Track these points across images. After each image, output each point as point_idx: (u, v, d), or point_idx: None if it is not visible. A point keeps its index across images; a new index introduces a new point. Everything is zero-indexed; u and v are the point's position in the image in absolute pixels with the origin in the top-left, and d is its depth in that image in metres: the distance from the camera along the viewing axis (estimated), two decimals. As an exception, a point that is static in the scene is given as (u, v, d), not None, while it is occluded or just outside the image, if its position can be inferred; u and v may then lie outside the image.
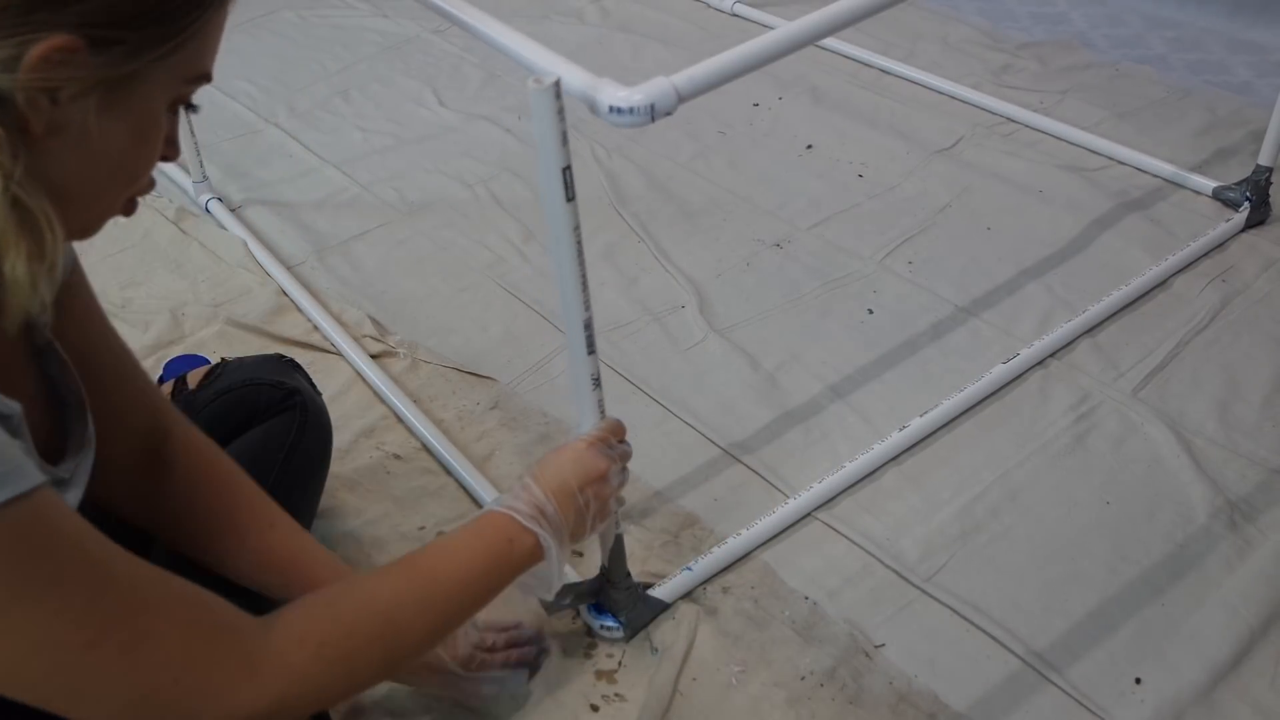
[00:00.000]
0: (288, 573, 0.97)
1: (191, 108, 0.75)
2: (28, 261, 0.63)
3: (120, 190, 0.72)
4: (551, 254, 0.92)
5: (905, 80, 2.24)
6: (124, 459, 0.91)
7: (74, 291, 0.86)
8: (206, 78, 0.73)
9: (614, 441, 1.02)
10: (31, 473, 0.63)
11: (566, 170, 0.86)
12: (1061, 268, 1.70)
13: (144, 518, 0.94)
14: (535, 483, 0.94)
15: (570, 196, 0.87)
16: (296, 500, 1.14)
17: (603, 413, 1.02)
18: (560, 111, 0.83)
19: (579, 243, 0.91)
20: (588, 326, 0.96)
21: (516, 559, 0.91)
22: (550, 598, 1.01)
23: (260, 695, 0.73)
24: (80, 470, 0.78)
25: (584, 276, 0.93)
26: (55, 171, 0.66)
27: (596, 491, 0.96)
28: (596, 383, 1.00)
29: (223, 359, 1.22)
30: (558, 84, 0.82)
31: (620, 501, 1.05)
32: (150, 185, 0.74)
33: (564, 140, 0.84)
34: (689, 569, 1.22)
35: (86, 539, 0.67)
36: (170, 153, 0.75)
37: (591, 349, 0.97)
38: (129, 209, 0.74)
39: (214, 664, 0.71)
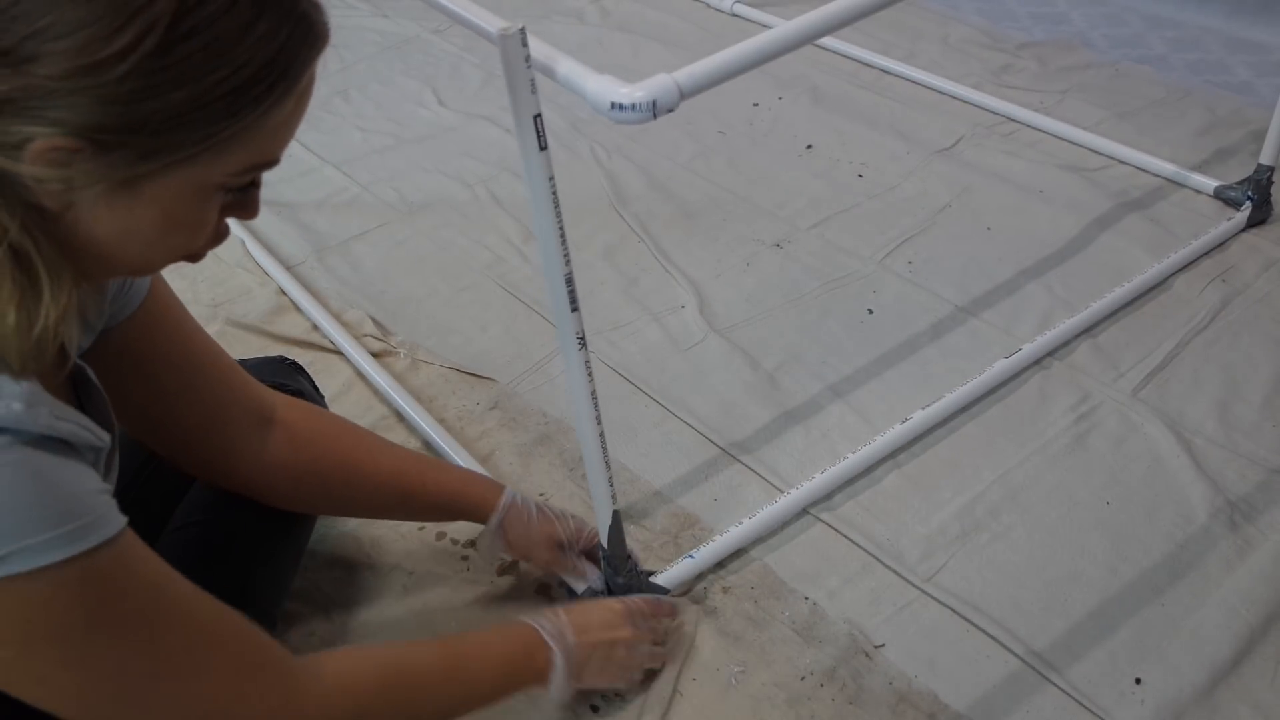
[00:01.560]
0: (415, 484, 1.10)
1: (252, 186, 0.75)
2: (17, 311, 0.64)
3: (167, 253, 0.72)
4: (532, 206, 0.92)
5: (905, 80, 2.24)
6: (245, 441, 1.01)
7: (160, 311, 0.92)
8: (269, 165, 0.73)
9: (649, 616, 1.10)
10: (116, 518, 0.69)
11: (537, 118, 0.86)
12: (1061, 268, 1.69)
13: (271, 484, 1.04)
14: (564, 614, 1.02)
15: (543, 145, 0.87)
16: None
17: (590, 374, 1.02)
18: (527, 59, 0.83)
19: (554, 193, 0.91)
20: (569, 282, 0.96)
21: (531, 670, 0.99)
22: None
23: None
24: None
25: (562, 229, 0.93)
26: (86, 233, 0.67)
27: (619, 650, 1.05)
28: (582, 341, 0.99)
29: None
30: (523, 31, 0.82)
31: (636, 679, 1.10)
32: (216, 240, 0.75)
33: (533, 88, 0.85)
34: (691, 556, 1.22)
35: (160, 577, 0.73)
36: (243, 215, 0.76)
37: (574, 306, 0.97)
38: (193, 258, 0.76)
39: (259, 699, 0.77)
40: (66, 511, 0.65)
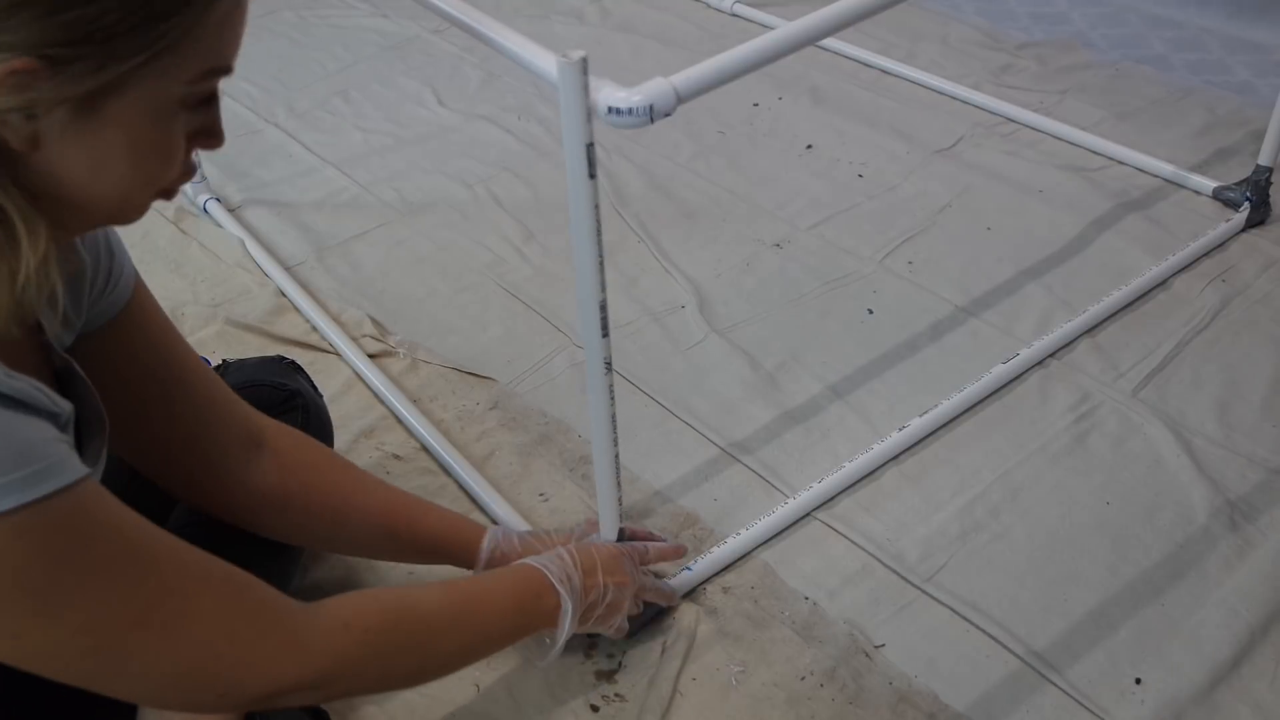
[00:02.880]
0: (401, 523, 1.08)
1: (210, 100, 0.75)
2: None
3: (141, 186, 0.72)
4: (571, 231, 0.92)
5: (905, 80, 2.24)
6: (231, 463, 0.99)
7: (143, 319, 0.91)
8: (221, 71, 0.73)
9: (638, 565, 1.12)
10: (75, 466, 0.67)
11: (590, 146, 0.86)
12: (1061, 268, 1.70)
13: (256, 509, 1.02)
14: (569, 555, 1.02)
15: (592, 174, 0.88)
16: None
17: (612, 398, 1.02)
18: (586, 87, 0.83)
19: (598, 220, 0.91)
20: (603, 308, 0.96)
21: (540, 613, 0.98)
22: (542, 664, 1.08)
23: (305, 667, 0.78)
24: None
25: (601, 256, 0.94)
26: (56, 174, 0.66)
27: (616, 592, 1.05)
28: (608, 366, 1.00)
29: (224, 360, 1.22)
30: (584, 60, 0.82)
31: (624, 628, 1.11)
32: (186, 174, 0.75)
33: (589, 117, 0.85)
34: (689, 569, 1.22)
35: (129, 526, 0.71)
36: (209, 143, 0.76)
37: (605, 331, 0.98)
38: (167, 195, 0.75)
39: (257, 638, 0.76)
40: (20, 457, 0.63)
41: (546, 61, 0.86)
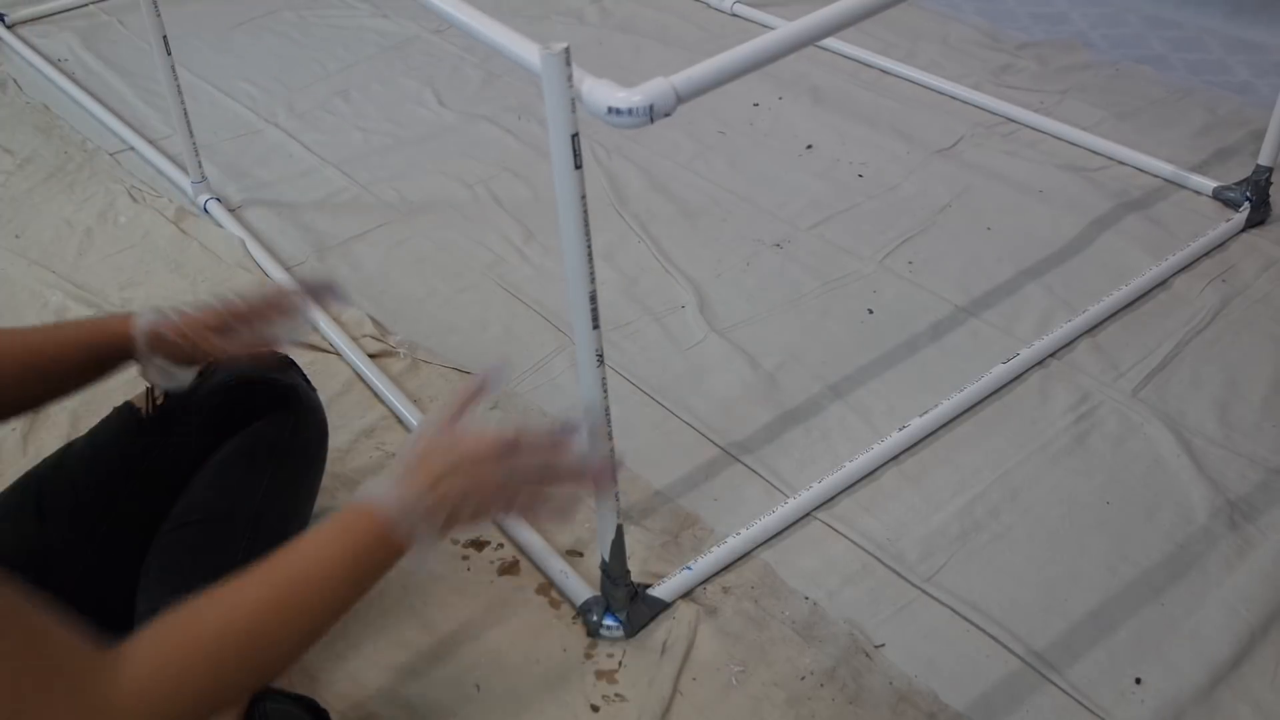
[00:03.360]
0: (48, 351, 1.00)
1: None
2: None
3: None
4: (559, 223, 0.92)
5: (905, 80, 2.24)
6: None
7: None
8: None
9: (539, 449, 0.89)
10: None
11: (575, 137, 0.86)
12: (1061, 268, 1.70)
13: None
14: (404, 466, 0.86)
15: (578, 164, 0.88)
16: (292, 497, 1.14)
17: (605, 390, 1.02)
18: (569, 78, 0.84)
19: (585, 211, 0.91)
20: (592, 299, 0.96)
21: (387, 555, 0.84)
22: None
23: None
24: None
25: (590, 246, 0.93)
26: None
27: (477, 501, 0.86)
28: (600, 359, 1.00)
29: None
30: (567, 50, 0.83)
31: (532, 513, 0.92)
32: None
33: (573, 107, 0.85)
34: (689, 568, 1.22)
35: None
36: None
37: (595, 323, 0.97)
38: None
39: (54, 712, 0.66)
40: None
41: (529, 52, 0.86)
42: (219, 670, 0.75)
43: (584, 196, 0.90)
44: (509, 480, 0.87)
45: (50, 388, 1.04)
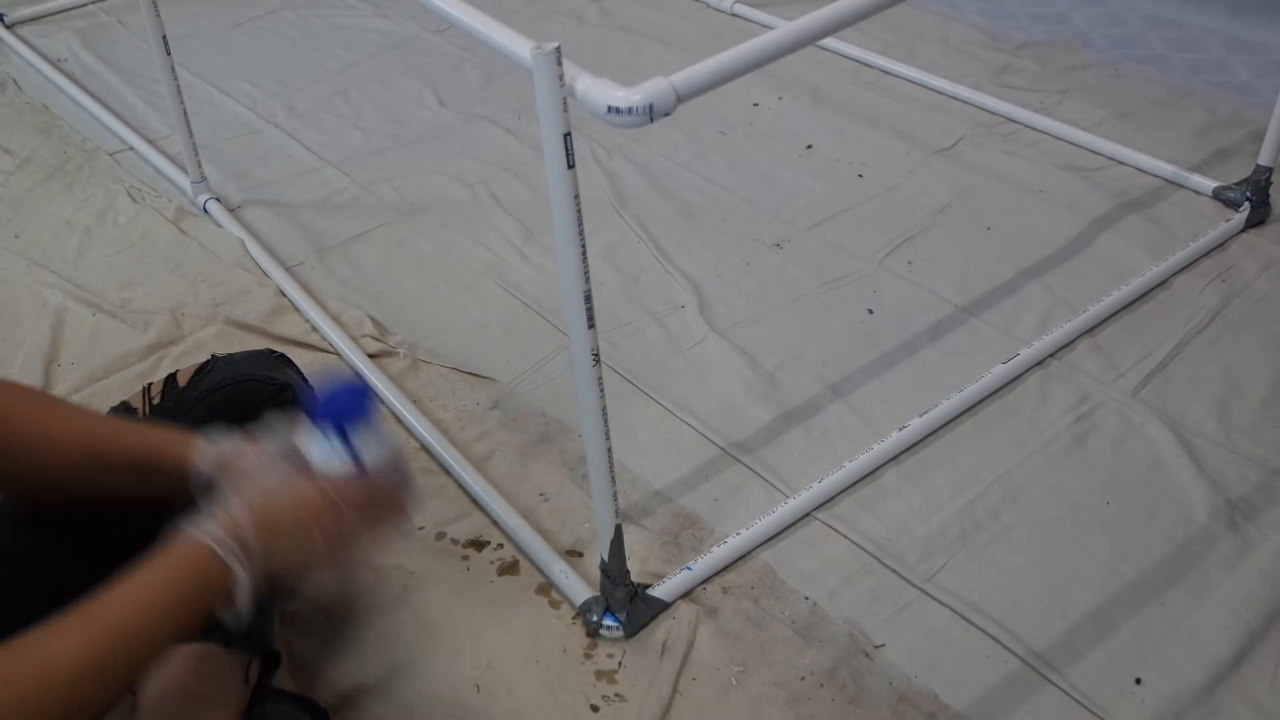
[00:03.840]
0: (110, 446, 0.95)
1: None
2: None
3: None
4: (554, 222, 0.92)
5: (905, 80, 2.24)
6: None
7: None
8: None
9: (363, 505, 0.88)
10: None
11: (567, 136, 0.87)
12: (1061, 268, 1.70)
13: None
14: (245, 512, 0.83)
15: (571, 164, 0.88)
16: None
17: (602, 390, 1.02)
18: (561, 77, 0.84)
19: (579, 210, 0.91)
20: (588, 299, 0.96)
21: (209, 596, 0.81)
22: (234, 627, 0.89)
23: None
24: None
25: (584, 246, 0.93)
26: None
27: (315, 535, 0.85)
28: (596, 358, 1.00)
29: (213, 355, 1.21)
30: (558, 50, 0.83)
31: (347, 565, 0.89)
32: None
33: (565, 106, 0.85)
34: (689, 568, 1.22)
35: None
36: None
37: (591, 323, 0.97)
38: None
39: None
40: None
41: (522, 49, 0.86)
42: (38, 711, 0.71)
43: (577, 196, 0.90)
44: (336, 539, 0.86)
45: (85, 478, 0.97)
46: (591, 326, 0.98)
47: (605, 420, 1.05)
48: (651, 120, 0.84)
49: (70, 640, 0.75)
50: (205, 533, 0.81)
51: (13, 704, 0.70)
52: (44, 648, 0.74)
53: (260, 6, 2.65)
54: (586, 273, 0.95)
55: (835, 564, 1.25)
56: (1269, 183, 1.75)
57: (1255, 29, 2.34)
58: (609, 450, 1.07)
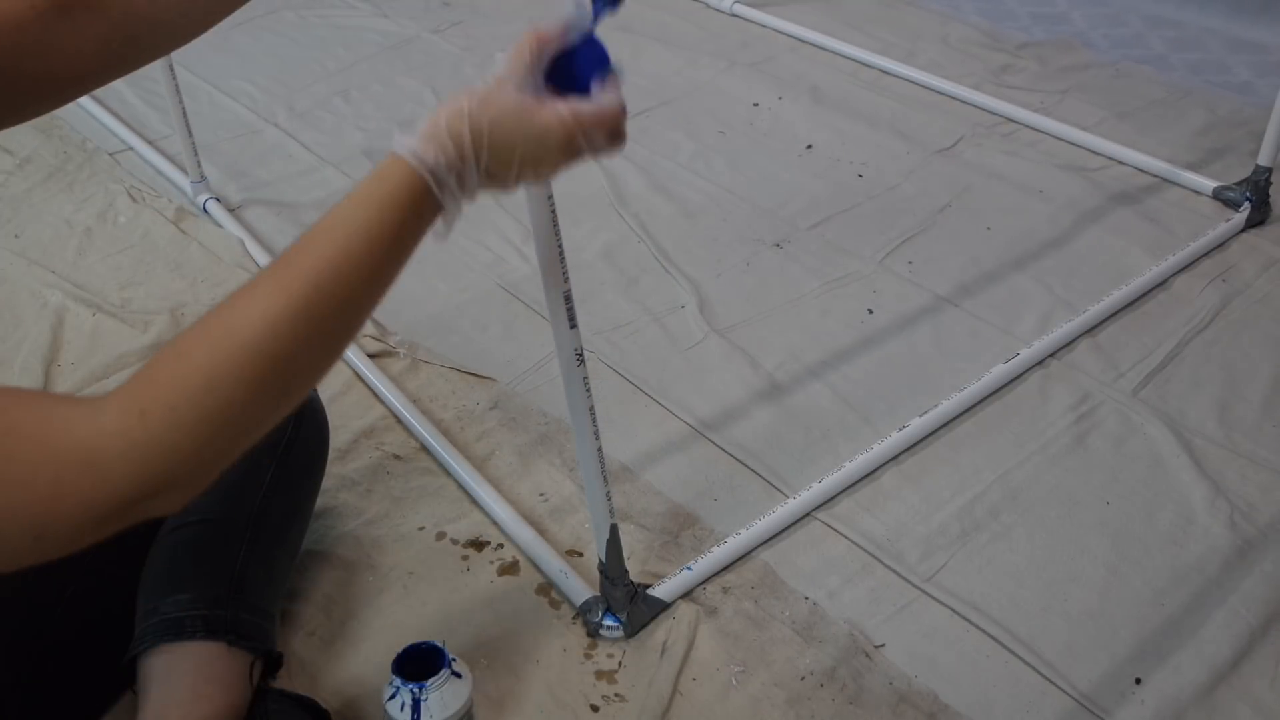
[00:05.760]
0: None
1: None
2: None
3: None
4: (531, 223, 0.92)
5: (905, 80, 2.24)
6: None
7: None
8: None
9: (596, 131, 0.83)
10: None
11: None
12: (1061, 268, 1.70)
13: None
14: (464, 125, 0.76)
15: None
16: (293, 497, 1.14)
17: (588, 389, 1.02)
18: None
19: (554, 211, 0.92)
20: (568, 299, 0.96)
21: (419, 228, 0.79)
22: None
23: (107, 486, 0.62)
24: None
25: (561, 248, 0.94)
26: None
27: (545, 168, 0.79)
28: (580, 358, 1.00)
29: None
30: None
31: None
32: None
33: None
34: (689, 568, 1.22)
35: None
36: None
37: (573, 323, 0.97)
38: None
39: (35, 475, 0.60)
40: None
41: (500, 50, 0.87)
42: (222, 403, 0.66)
43: (550, 196, 0.91)
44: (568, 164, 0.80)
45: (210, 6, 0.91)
46: (574, 326, 0.98)
47: (594, 419, 1.04)
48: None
49: (261, 298, 0.72)
50: (419, 157, 0.75)
51: (196, 377, 0.65)
52: (230, 313, 0.72)
53: (260, 6, 2.65)
54: (565, 273, 0.95)
55: (835, 564, 1.25)
56: (1269, 183, 1.76)
57: (1255, 29, 2.34)
58: (599, 450, 1.07)
